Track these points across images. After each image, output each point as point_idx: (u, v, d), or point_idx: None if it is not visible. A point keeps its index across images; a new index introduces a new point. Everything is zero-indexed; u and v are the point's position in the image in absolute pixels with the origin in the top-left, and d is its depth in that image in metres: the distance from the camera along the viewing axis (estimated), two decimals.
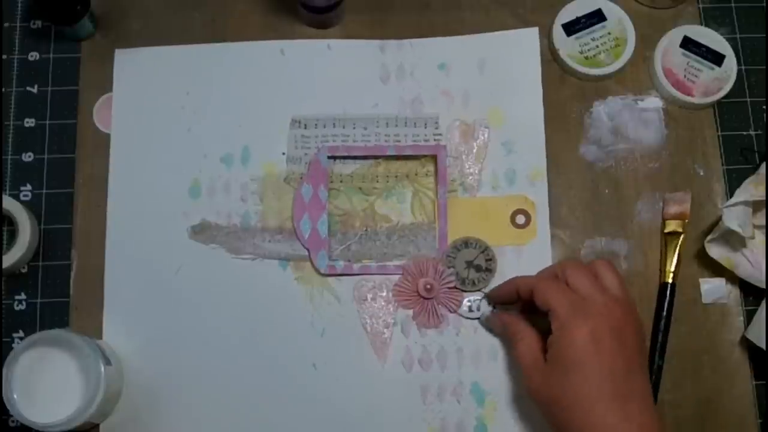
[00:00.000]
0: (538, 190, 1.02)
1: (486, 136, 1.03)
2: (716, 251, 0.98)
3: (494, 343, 0.98)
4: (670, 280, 0.99)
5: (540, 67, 1.05)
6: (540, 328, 0.91)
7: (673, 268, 0.99)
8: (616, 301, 0.89)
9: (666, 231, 1.01)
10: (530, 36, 1.06)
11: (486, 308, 0.99)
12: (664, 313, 0.99)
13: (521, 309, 0.96)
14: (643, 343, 0.91)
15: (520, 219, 1.01)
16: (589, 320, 0.86)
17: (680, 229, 1.00)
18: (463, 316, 0.99)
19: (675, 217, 1.01)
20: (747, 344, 0.98)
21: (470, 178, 1.02)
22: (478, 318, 0.99)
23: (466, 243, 0.99)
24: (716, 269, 1.00)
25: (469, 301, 0.99)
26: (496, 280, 0.99)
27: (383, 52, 1.05)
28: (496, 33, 1.06)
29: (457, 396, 0.97)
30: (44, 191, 1.01)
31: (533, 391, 0.88)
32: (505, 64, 1.05)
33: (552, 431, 0.88)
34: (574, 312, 0.87)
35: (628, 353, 0.86)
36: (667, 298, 0.99)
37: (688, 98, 1.03)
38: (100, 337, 0.97)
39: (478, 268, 0.99)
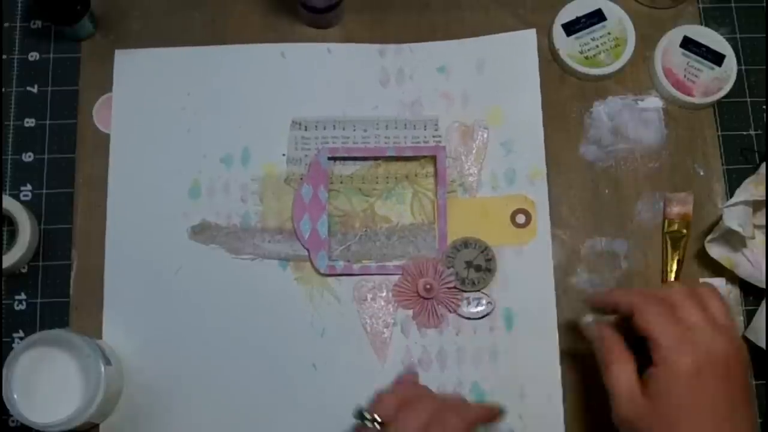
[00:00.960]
0: (537, 189, 1.02)
1: (485, 136, 1.03)
2: (716, 251, 0.98)
3: (494, 343, 0.98)
4: (673, 280, 0.99)
5: (538, 68, 1.05)
6: (635, 348, 0.86)
7: (675, 268, 0.99)
8: (722, 333, 0.83)
9: (668, 230, 1.01)
10: (528, 37, 1.06)
11: (486, 308, 0.99)
12: None
13: (617, 321, 0.91)
14: (748, 376, 0.86)
15: (520, 218, 1.01)
16: (693, 355, 0.81)
17: (684, 230, 1.00)
18: (461, 315, 0.99)
19: (678, 218, 1.00)
20: (747, 344, 0.98)
21: (470, 178, 1.02)
22: (478, 318, 0.99)
23: (465, 243, 1.00)
24: (716, 269, 1.00)
25: (466, 298, 0.99)
26: (496, 280, 0.99)
27: (383, 56, 1.05)
28: (495, 35, 1.06)
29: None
30: (44, 191, 1.01)
31: (625, 421, 0.83)
32: (503, 66, 1.05)
33: None
34: (679, 345, 0.82)
35: (732, 390, 0.82)
36: None
37: (688, 98, 1.03)
38: (100, 337, 0.97)
39: (478, 268, 0.99)
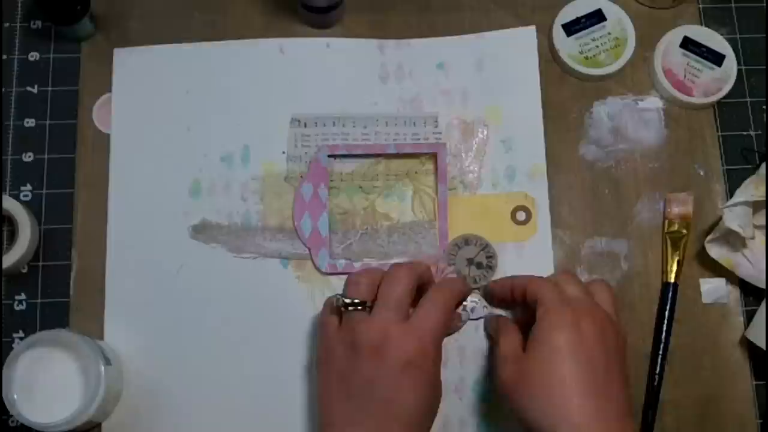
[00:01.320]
0: (538, 186, 1.02)
1: (485, 133, 1.03)
2: (716, 251, 0.98)
3: None
4: (672, 280, 0.99)
5: (537, 65, 1.05)
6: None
7: (675, 268, 0.99)
8: (601, 309, 0.89)
9: (668, 231, 1.01)
10: (528, 34, 1.06)
11: (481, 310, 0.99)
12: (667, 313, 0.98)
13: (516, 318, 0.97)
14: (624, 354, 0.89)
15: (521, 215, 1.01)
16: (574, 313, 0.86)
17: (683, 230, 1.00)
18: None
19: (678, 218, 1.00)
20: (747, 344, 0.98)
21: (470, 175, 1.02)
22: (473, 319, 0.99)
23: (466, 240, 0.99)
24: (716, 269, 1.00)
25: (464, 301, 0.99)
26: (497, 278, 0.99)
27: (382, 52, 1.05)
28: (494, 32, 1.06)
29: (459, 393, 0.97)
30: (44, 191, 1.01)
31: (504, 381, 0.87)
32: (503, 63, 1.05)
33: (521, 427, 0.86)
34: (561, 303, 0.87)
35: (609, 353, 0.85)
36: (670, 298, 0.99)
37: (688, 98, 1.03)
38: (101, 338, 0.97)
39: (479, 266, 0.99)
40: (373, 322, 0.87)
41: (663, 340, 0.98)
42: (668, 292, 0.99)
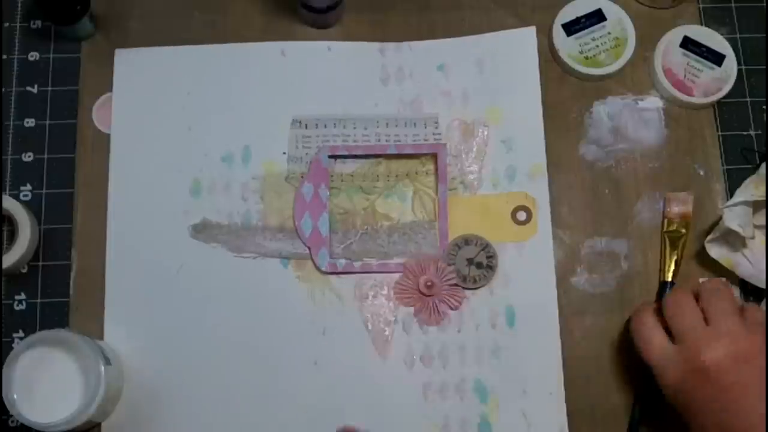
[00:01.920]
0: (538, 186, 1.02)
1: (485, 134, 1.03)
2: (716, 251, 0.98)
3: (496, 339, 0.98)
4: (669, 279, 0.99)
5: (537, 65, 1.05)
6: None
7: (673, 267, 0.99)
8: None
9: (667, 230, 1.01)
10: (527, 35, 1.06)
11: None
12: None
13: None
14: None
15: (521, 215, 1.01)
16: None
17: (683, 229, 1.00)
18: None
19: (677, 217, 1.00)
20: None
21: (470, 176, 1.02)
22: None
23: (466, 240, 1.00)
24: (716, 269, 1.00)
25: None
26: (497, 277, 0.99)
27: (383, 54, 1.05)
28: (494, 33, 1.06)
29: (460, 393, 0.97)
30: (44, 191, 1.01)
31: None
32: (503, 63, 1.05)
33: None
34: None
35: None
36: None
37: (688, 98, 1.03)
38: (101, 337, 0.97)
39: (479, 266, 0.99)
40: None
41: None
42: (665, 290, 0.99)
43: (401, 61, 1.05)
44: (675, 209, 1.01)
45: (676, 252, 1.00)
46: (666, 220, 1.01)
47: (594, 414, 0.97)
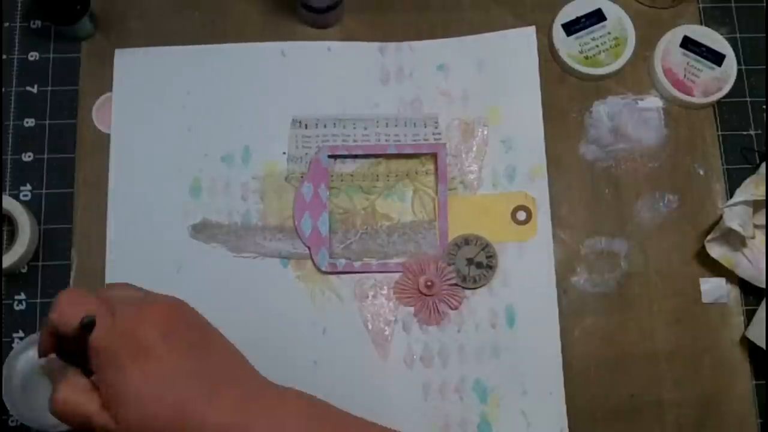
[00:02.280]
0: (538, 186, 1.02)
1: (485, 134, 1.03)
2: (716, 251, 0.98)
3: (496, 339, 0.98)
4: None
5: (537, 64, 1.05)
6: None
7: None
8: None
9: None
10: (527, 34, 1.06)
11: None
12: None
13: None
14: None
15: (521, 215, 1.01)
16: None
17: None
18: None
19: None
20: (747, 344, 0.98)
21: (470, 175, 1.02)
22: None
23: (466, 240, 1.00)
24: (716, 269, 1.00)
25: None
26: (497, 277, 0.99)
27: (383, 55, 1.05)
28: (494, 33, 1.06)
29: (460, 393, 0.97)
30: (44, 191, 1.01)
31: None
32: (503, 63, 1.05)
33: None
34: None
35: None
36: None
37: (688, 98, 1.03)
38: None
39: (479, 265, 0.99)
40: None
41: None
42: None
43: (401, 61, 1.05)
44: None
45: None
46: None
47: (594, 414, 0.97)
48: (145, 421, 0.70)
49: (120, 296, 0.76)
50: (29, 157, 1.02)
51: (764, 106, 1.06)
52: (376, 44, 1.06)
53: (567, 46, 1.05)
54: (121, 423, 0.70)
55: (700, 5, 1.08)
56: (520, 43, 1.06)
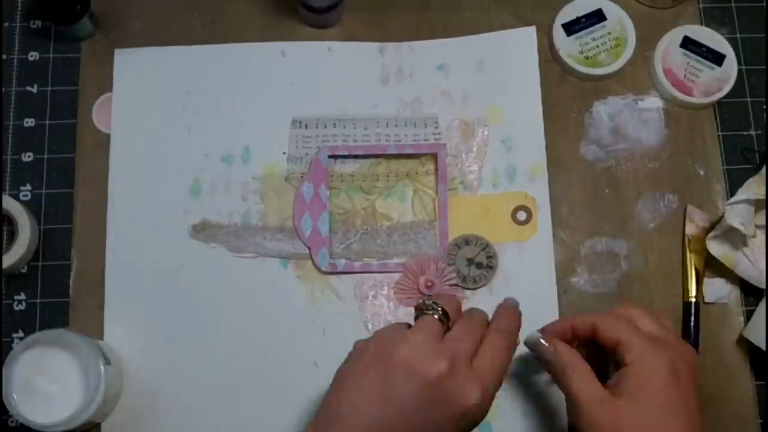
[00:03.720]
0: (538, 186, 1.02)
1: (485, 134, 1.03)
2: (717, 248, 0.98)
3: None
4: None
5: (538, 65, 1.05)
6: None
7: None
8: (687, 346, 0.84)
9: (693, 248, 1.01)
10: (527, 34, 1.06)
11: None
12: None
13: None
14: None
15: (521, 215, 1.01)
16: (669, 359, 0.80)
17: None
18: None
19: (704, 232, 1.01)
20: (747, 344, 0.98)
21: (470, 176, 1.02)
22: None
23: (466, 240, 1.00)
24: (717, 269, 1.00)
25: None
26: (498, 277, 0.99)
27: (382, 55, 1.05)
28: (494, 33, 1.06)
29: None
30: (44, 191, 1.01)
31: (594, 426, 0.79)
32: (503, 63, 1.05)
33: None
34: (651, 344, 0.81)
35: (698, 395, 0.81)
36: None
37: (688, 98, 1.03)
38: (101, 337, 0.97)
39: (479, 266, 0.99)
40: (448, 345, 0.79)
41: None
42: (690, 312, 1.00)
43: (401, 61, 1.05)
44: (700, 223, 1.01)
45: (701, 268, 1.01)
46: (691, 237, 1.01)
47: None
48: None
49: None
50: (29, 157, 1.02)
51: (764, 106, 1.06)
52: (376, 44, 1.06)
53: (567, 46, 1.05)
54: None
55: (700, 5, 1.08)
56: (520, 43, 1.06)
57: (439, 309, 0.81)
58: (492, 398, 0.80)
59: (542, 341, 0.86)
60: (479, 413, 0.78)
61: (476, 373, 0.78)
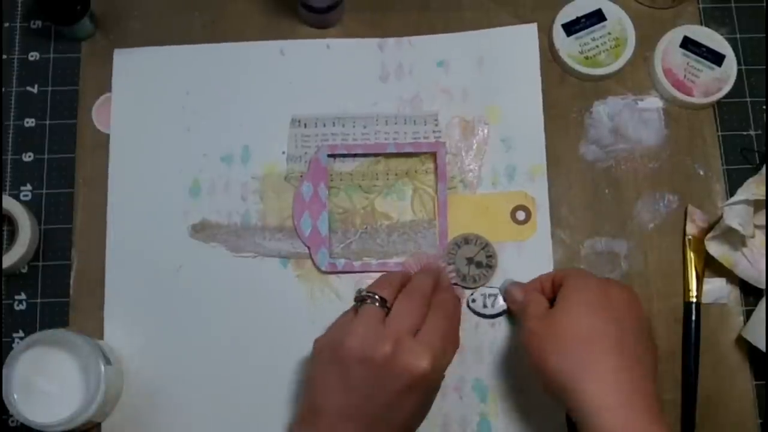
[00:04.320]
0: (537, 185, 1.02)
1: (485, 132, 1.03)
2: (716, 249, 0.98)
3: (496, 338, 0.98)
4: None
5: (539, 63, 1.05)
6: None
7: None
8: (629, 286, 0.92)
9: (694, 247, 1.01)
10: (529, 32, 1.06)
11: (500, 304, 0.99)
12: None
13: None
14: (650, 331, 0.92)
15: (521, 215, 1.01)
16: (601, 281, 0.90)
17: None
18: (476, 312, 0.99)
19: (704, 232, 1.01)
20: (747, 344, 0.98)
21: (470, 174, 1.02)
22: (492, 315, 0.99)
23: (466, 240, 0.99)
24: (716, 269, 1.00)
25: (482, 295, 0.99)
26: (497, 277, 0.99)
27: (382, 51, 1.05)
28: (495, 29, 1.06)
29: (460, 392, 0.97)
30: (44, 191, 1.01)
31: (530, 336, 0.88)
32: (503, 61, 1.05)
33: (552, 397, 0.87)
34: (588, 273, 0.93)
35: (640, 320, 0.88)
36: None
37: (688, 98, 1.03)
38: (101, 337, 0.97)
39: (479, 265, 0.99)
40: (389, 327, 0.86)
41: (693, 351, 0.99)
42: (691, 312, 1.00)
43: (401, 58, 1.05)
44: (700, 223, 1.01)
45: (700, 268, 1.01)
46: (692, 237, 1.01)
47: None
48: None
49: None
50: (29, 157, 1.02)
51: (764, 107, 1.06)
52: (375, 40, 1.06)
53: (567, 47, 1.05)
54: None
55: (700, 5, 1.08)
56: (521, 41, 1.06)
57: (376, 297, 0.88)
58: (444, 361, 0.88)
59: (512, 284, 0.98)
60: (434, 377, 0.87)
61: (421, 345, 0.85)
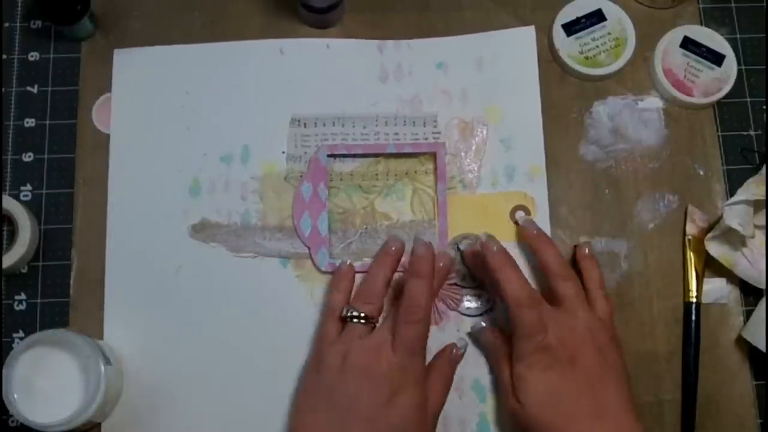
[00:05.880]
0: (537, 186, 1.02)
1: (484, 133, 1.03)
2: (716, 249, 0.98)
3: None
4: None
5: (537, 64, 1.05)
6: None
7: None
8: (599, 331, 0.92)
9: (694, 247, 1.01)
10: (527, 34, 1.06)
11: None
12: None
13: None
14: (616, 359, 0.92)
15: (520, 215, 1.00)
16: (567, 349, 0.90)
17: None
18: (462, 313, 0.99)
19: (704, 231, 1.01)
20: (746, 344, 0.98)
21: (469, 175, 1.02)
22: (483, 312, 0.99)
23: (466, 240, 0.99)
24: (716, 269, 1.00)
25: (468, 299, 0.99)
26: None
27: (381, 52, 1.05)
28: (494, 32, 1.06)
29: (459, 392, 0.97)
30: (44, 191, 1.01)
31: (509, 413, 0.92)
32: (502, 62, 1.05)
33: None
34: (542, 348, 0.90)
35: (610, 373, 0.90)
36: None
37: (688, 98, 1.03)
38: (101, 337, 0.97)
39: None
40: (372, 340, 0.89)
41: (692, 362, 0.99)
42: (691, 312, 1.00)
43: (400, 59, 1.05)
44: (700, 223, 1.01)
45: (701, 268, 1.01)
46: (691, 237, 1.01)
47: None
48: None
49: None
50: (29, 157, 1.02)
51: (764, 107, 1.06)
52: (375, 42, 1.05)
53: (567, 47, 1.05)
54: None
55: (700, 5, 1.08)
56: (520, 43, 1.06)
57: (361, 314, 0.91)
58: (415, 357, 0.89)
59: (481, 330, 0.98)
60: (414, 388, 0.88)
61: (398, 351, 0.87)
